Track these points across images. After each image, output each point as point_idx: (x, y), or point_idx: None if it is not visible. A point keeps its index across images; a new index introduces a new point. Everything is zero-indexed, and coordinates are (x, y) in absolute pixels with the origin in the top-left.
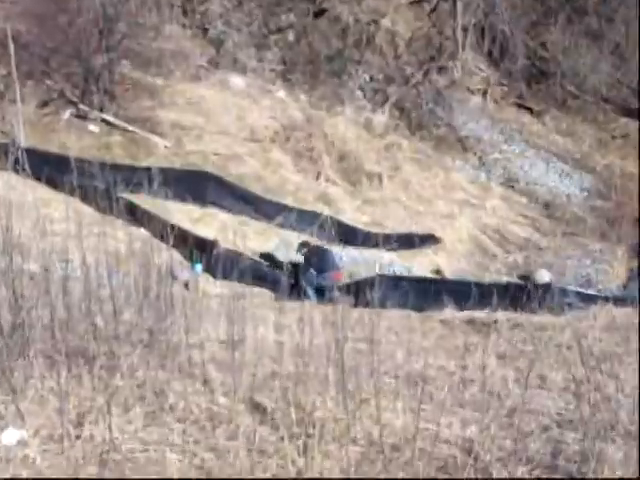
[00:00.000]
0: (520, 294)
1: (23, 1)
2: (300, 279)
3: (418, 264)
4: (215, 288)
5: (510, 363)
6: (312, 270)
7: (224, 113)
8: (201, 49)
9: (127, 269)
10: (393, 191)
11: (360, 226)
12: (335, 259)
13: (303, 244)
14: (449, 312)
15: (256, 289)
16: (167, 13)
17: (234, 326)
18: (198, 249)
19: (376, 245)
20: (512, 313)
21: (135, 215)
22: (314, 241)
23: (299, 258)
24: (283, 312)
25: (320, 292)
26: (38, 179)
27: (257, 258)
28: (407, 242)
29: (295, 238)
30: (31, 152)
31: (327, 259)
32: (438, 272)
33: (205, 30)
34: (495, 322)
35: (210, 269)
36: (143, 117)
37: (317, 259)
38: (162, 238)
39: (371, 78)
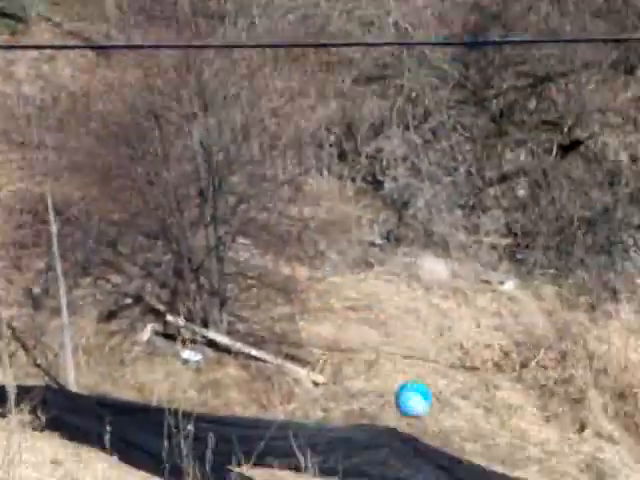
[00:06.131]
0: None
1: (72, 150)
2: None
3: None
4: None
5: None
6: None
7: (412, 321)
8: (372, 214)
9: None
10: None
11: None
12: None
13: None
14: None
15: None
16: (311, 159)
17: None
18: None
19: None
20: None
21: None
22: None
23: None
24: None
25: None
26: (104, 449)
27: None
28: None
29: None
30: (84, 400)
31: None
32: None
33: (377, 182)
34: None
35: None
36: (276, 335)
37: None
38: None
39: None
